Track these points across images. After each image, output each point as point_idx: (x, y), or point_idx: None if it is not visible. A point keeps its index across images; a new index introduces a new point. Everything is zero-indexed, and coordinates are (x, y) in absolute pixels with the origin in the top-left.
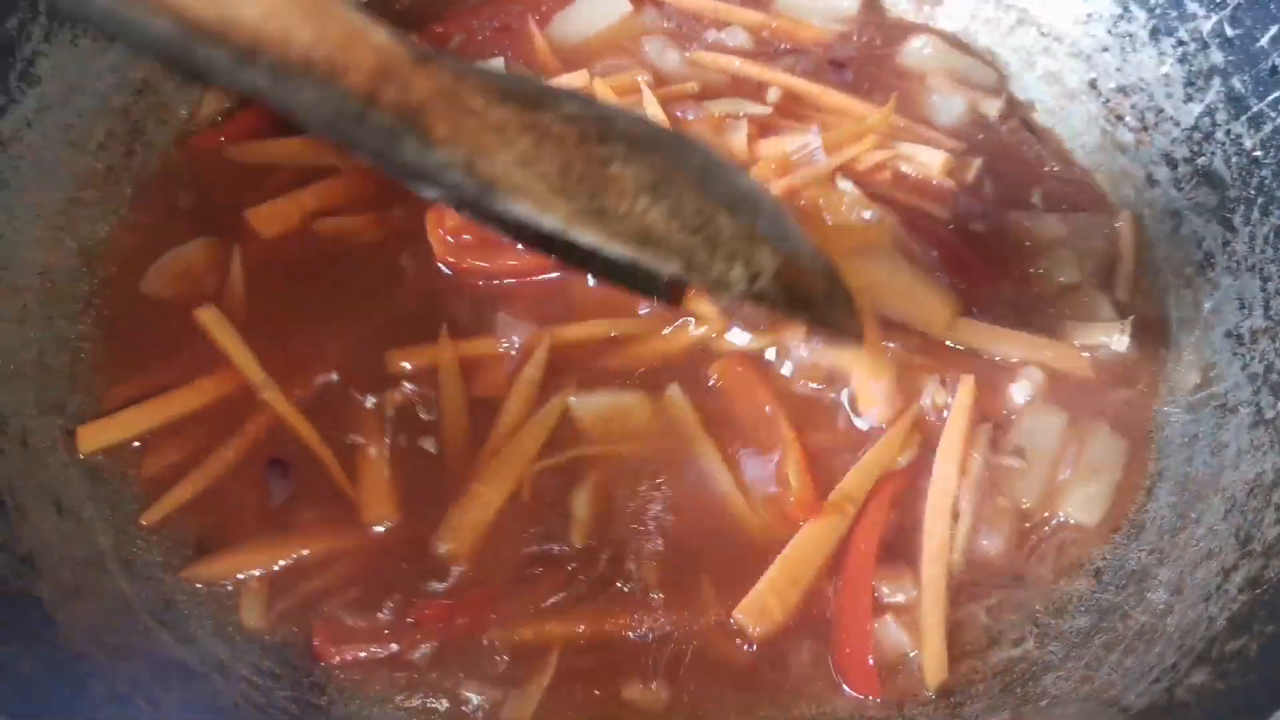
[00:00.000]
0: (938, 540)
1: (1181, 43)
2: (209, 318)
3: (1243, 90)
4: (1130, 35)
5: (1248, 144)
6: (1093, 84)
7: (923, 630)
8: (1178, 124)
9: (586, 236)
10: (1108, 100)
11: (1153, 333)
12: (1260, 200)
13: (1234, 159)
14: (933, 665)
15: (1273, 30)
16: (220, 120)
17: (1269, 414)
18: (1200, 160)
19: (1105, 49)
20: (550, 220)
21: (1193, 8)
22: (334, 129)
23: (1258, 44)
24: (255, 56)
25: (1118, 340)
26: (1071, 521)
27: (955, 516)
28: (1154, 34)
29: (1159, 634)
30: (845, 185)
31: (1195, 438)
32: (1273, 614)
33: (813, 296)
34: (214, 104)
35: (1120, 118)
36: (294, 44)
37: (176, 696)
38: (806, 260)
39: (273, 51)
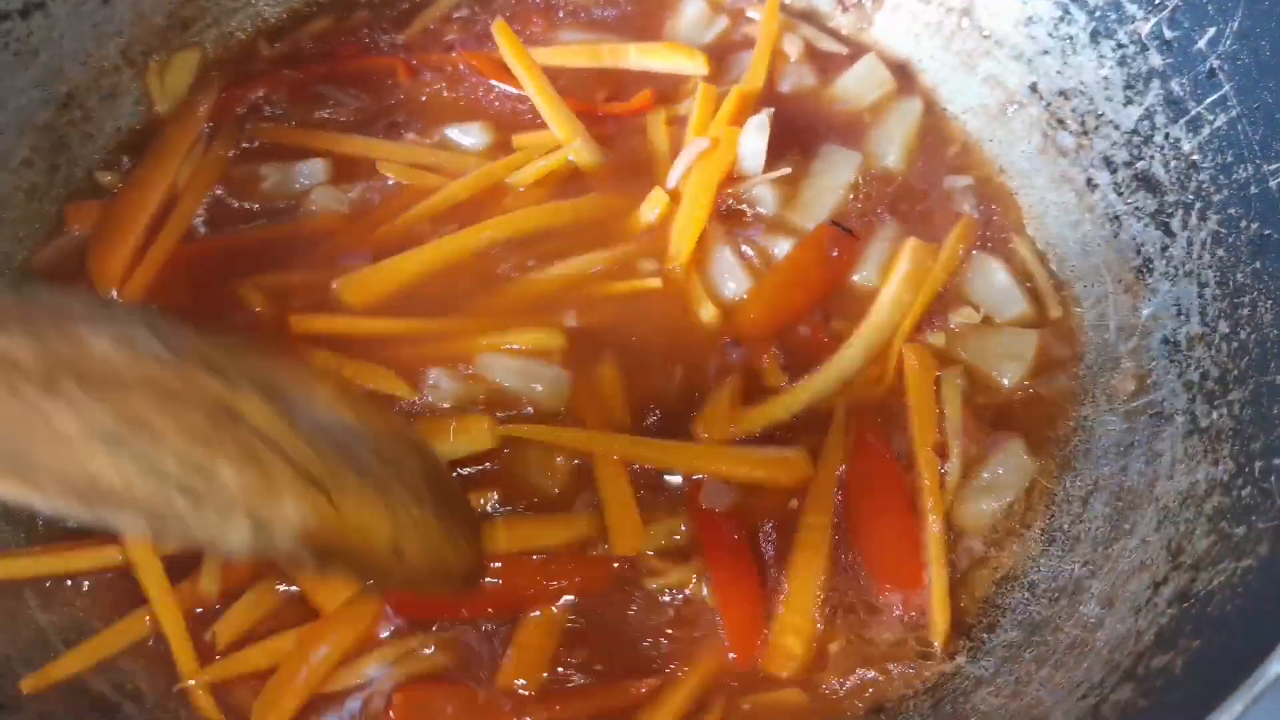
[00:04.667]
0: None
1: (1121, 45)
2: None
3: (1181, 93)
4: (1071, 38)
5: (1186, 147)
6: (1034, 87)
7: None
8: (1117, 127)
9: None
10: (1049, 104)
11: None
12: (1198, 205)
13: (1173, 163)
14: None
15: (1210, 33)
16: None
17: (1203, 422)
18: (1139, 164)
19: (1046, 52)
20: None
21: (1131, 10)
22: None
23: (1195, 46)
24: None
25: None
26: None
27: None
28: (1094, 36)
29: (1088, 648)
30: None
31: (1131, 446)
32: (1198, 629)
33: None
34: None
35: (1061, 121)
36: None
37: None
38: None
39: None
